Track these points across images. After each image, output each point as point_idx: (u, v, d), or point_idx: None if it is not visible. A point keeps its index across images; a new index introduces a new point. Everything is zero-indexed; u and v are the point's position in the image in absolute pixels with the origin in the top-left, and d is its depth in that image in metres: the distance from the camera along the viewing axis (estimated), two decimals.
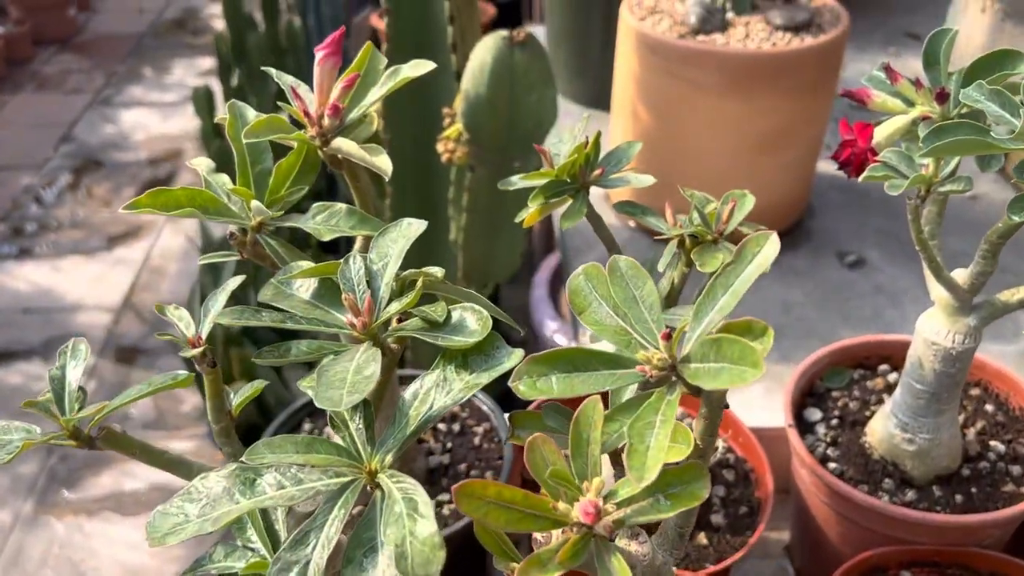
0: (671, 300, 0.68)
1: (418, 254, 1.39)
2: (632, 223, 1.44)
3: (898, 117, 0.68)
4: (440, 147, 1.14)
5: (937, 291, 0.72)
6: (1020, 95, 0.60)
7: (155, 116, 3.71)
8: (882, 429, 0.79)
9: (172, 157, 3.38)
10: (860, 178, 0.66)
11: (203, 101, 2.21)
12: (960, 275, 0.70)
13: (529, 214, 0.69)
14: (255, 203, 0.56)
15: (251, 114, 0.60)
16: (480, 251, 1.25)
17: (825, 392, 0.87)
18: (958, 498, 0.77)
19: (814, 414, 0.85)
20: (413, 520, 0.41)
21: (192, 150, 3.39)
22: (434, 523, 0.41)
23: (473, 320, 0.49)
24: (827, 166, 1.51)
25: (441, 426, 0.89)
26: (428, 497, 0.42)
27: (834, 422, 0.84)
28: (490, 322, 0.48)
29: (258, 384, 0.56)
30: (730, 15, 1.29)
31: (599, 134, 0.68)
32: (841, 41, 1.27)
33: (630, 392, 0.54)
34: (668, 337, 0.43)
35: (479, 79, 1.11)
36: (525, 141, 1.16)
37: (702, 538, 0.79)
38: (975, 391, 0.86)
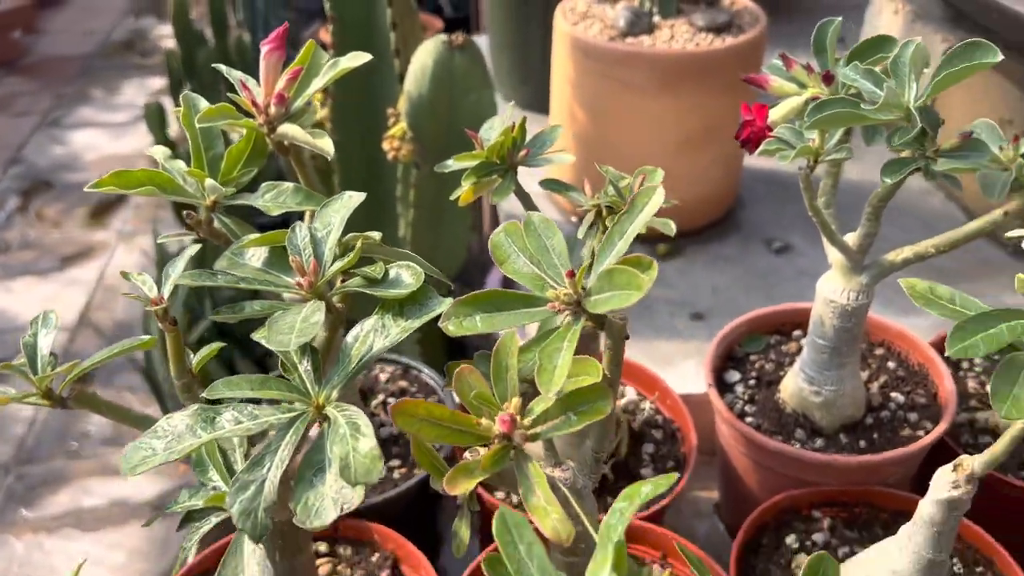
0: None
1: None
2: (572, 214, 1.52)
3: (792, 98, 0.76)
4: (386, 145, 1.20)
5: (833, 254, 0.80)
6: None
7: (106, 136, 3.72)
8: (793, 385, 0.87)
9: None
10: (755, 152, 0.74)
11: (155, 117, 2.25)
12: (850, 238, 0.78)
13: (463, 192, 0.76)
14: (209, 181, 0.62)
15: (203, 104, 0.66)
16: (427, 245, 1.31)
17: (744, 356, 0.95)
18: (862, 443, 0.85)
19: (733, 376, 0.93)
20: (355, 439, 0.47)
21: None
22: (374, 440, 0.47)
23: (408, 275, 0.55)
24: (755, 160, 1.60)
25: (391, 400, 0.94)
26: (368, 420, 0.48)
27: (751, 382, 0.92)
28: (423, 276, 0.55)
29: (216, 345, 0.62)
30: (656, 18, 1.38)
31: (524, 119, 0.76)
32: (759, 41, 1.36)
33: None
34: (572, 275, 0.49)
35: (420, 81, 1.18)
36: (467, 139, 1.23)
37: None
38: (880, 350, 0.95)
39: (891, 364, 0.93)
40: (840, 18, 0.78)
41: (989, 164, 0.69)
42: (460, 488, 0.46)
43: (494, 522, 0.41)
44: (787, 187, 1.63)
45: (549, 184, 0.77)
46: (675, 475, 0.48)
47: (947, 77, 0.64)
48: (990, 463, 0.63)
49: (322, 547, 0.80)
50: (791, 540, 0.81)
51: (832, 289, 0.80)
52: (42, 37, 4.63)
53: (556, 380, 0.46)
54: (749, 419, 0.88)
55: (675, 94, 1.32)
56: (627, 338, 0.53)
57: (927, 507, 0.67)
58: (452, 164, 0.76)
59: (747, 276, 1.38)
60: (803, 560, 0.78)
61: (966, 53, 0.64)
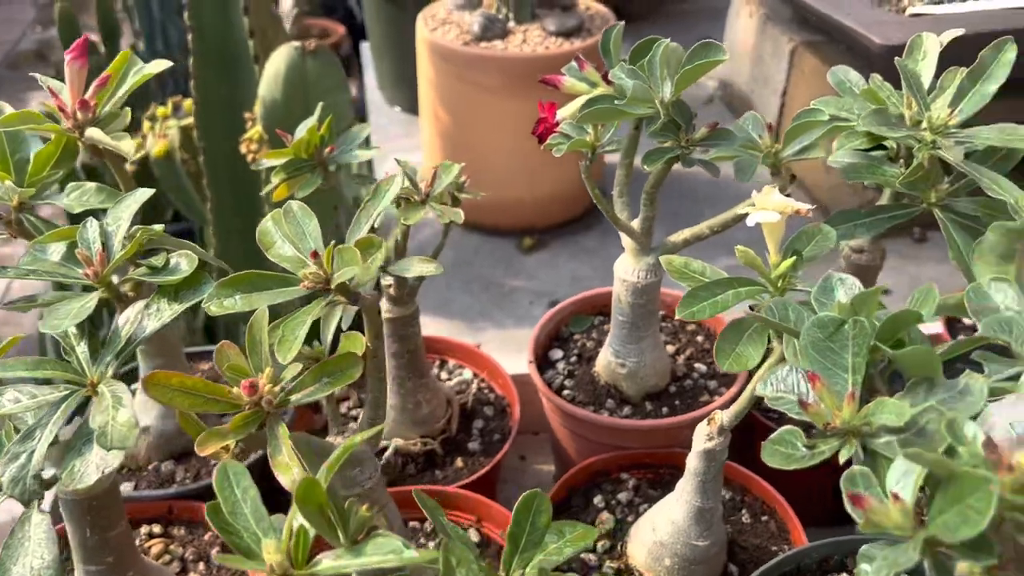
0: (399, 252, 0.82)
1: (245, 250, 1.49)
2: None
3: (580, 97, 0.84)
4: (243, 148, 1.25)
5: (624, 238, 0.87)
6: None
7: None
8: (604, 359, 0.94)
9: None
10: (542, 146, 0.81)
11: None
12: (635, 223, 0.85)
13: (276, 189, 0.81)
14: (8, 183, 0.66)
15: (8, 109, 0.70)
16: None
17: (569, 336, 1.02)
18: (664, 410, 0.92)
19: (557, 354, 1.00)
20: (116, 410, 0.52)
21: None
22: (132, 411, 0.52)
23: (185, 263, 0.61)
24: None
25: None
26: (131, 395, 0.54)
27: (573, 359, 0.99)
28: (197, 262, 0.60)
29: (15, 338, 0.66)
30: (512, 24, 1.45)
31: (331, 118, 0.81)
32: None
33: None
34: (316, 255, 0.55)
35: (273, 85, 1.22)
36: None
37: (459, 462, 0.92)
38: (691, 326, 1.03)
39: (700, 338, 1.01)
40: (622, 23, 0.86)
41: (739, 151, 0.78)
42: (210, 449, 0.52)
43: (215, 473, 0.47)
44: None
45: (355, 178, 0.83)
46: (382, 425, 0.54)
47: (686, 74, 0.71)
48: (736, 416, 0.71)
49: (156, 528, 0.85)
50: (598, 500, 0.88)
51: (624, 269, 0.87)
52: None
53: (292, 349, 0.52)
54: (567, 392, 0.95)
55: (526, 95, 1.39)
56: (379, 313, 0.60)
57: (692, 460, 0.74)
58: (265, 163, 0.81)
59: (605, 266, 1.45)
60: (607, 517, 0.86)
61: (701, 52, 0.72)
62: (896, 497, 0.42)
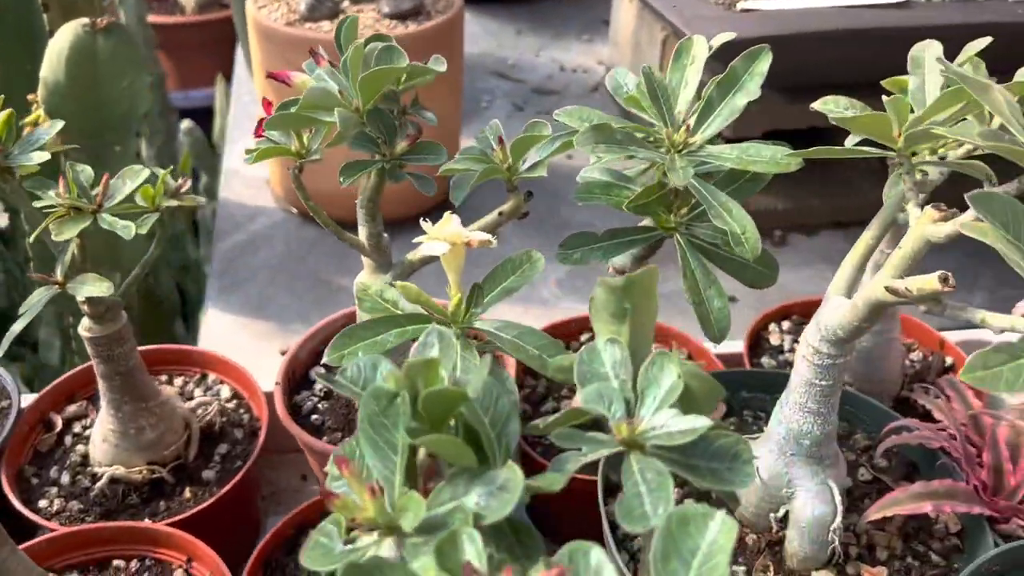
0: (75, 268, 0.72)
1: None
2: (293, 209, 1.50)
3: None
4: (26, 132, 1.15)
5: (364, 256, 0.80)
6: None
7: None
8: None
9: None
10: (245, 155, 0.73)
11: None
12: (362, 238, 0.78)
13: None
14: None
15: None
16: None
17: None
18: None
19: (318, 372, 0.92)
20: None
21: None
22: None
23: None
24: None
25: None
26: None
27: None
28: None
29: None
30: (346, 3, 1.36)
31: (10, 113, 0.72)
32: (447, 28, 1.35)
33: None
34: None
35: (56, 66, 1.13)
36: (122, 125, 1.19)
37: (187, 493, 0.84)
38: None
39: None
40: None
41: (458, 166, 0.70)
42: None
43: None
44: None
45: None
46: None
47: (367, 79, 0.63)
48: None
49: None
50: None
51: (363, 286, 0.79)
52: None
53: None
54: (315, 417, 0.87)
55: None
56: None
57: None
58: None
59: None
60: None
61: (385, 57, 0.64)
62: None
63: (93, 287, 0.69)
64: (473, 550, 0.35)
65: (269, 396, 0.92)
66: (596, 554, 0.34)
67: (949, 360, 1.01)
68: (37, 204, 0.70)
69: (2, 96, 0.74)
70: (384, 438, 0.42)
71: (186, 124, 1.86)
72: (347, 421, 0.87)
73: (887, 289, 0.57)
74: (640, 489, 0.41)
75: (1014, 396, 0.89)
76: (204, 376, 0.97)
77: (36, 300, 0.71)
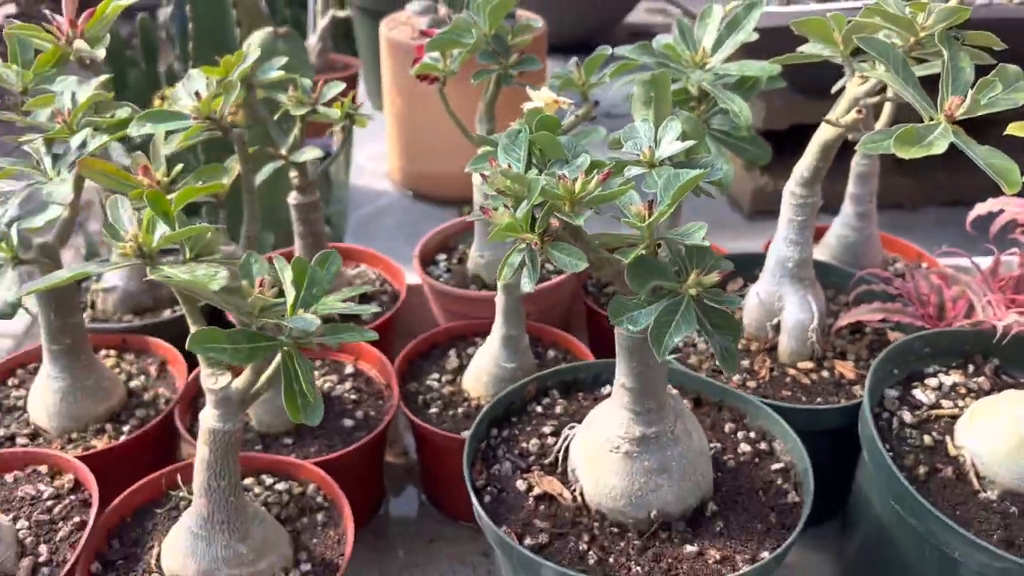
0: (296, 145, 1.09)
1: None
2: (408, 191, 1.87)
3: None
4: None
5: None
6: None
7: None
8: (471, 256, 1.20)
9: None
10: (414, 71, 1.09)
11: None
12: (487, 134, 1.12)
13: None
14: (15, 67, 0.96)
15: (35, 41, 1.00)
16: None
17: (455, 247, 1.29)
18: None
19: (441, 258, 1.26)
20: (61, 184, 0.80)
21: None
22: (70, 189, 0.80)
23: (121, 112, 0.89)
24: None
25: None
26: (71, 182, 0.82)
27: (454, 261, 1.25)
28: (129, 111, 0.89)
29: None
30: None
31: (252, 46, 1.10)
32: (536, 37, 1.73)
33: None
34: (198, 95, 0.83)
35: None
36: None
37: None
38: None
39: None
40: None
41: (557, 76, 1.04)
42: None
43: None
44: None
45: None
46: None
47: (493, 10, 0.99)
48: None
49: (112, 353, 1.12)
50: (452, 352, 1.13)
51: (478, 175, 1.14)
52: None
53: (173, 145, 0.80)
54: (442, 278, 1.21)
55: (463, 82, 1.68)
56: None
57: (497, 295, 1.00)
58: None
59: None
60: (453, 359, 1.11)
61: None
62: None
63: (309, 154, 1.05)
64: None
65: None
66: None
67: (924, 266, 1.29)
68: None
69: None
70: (514, 153, 0.75)
71: None
72: (462, 281, 1.20)
73: (826, 121, 0.89)
74: (659, 183, 0.73)
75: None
76: (358, 264, 1.32)
77: (267, 169, 1.08)
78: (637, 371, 0.77)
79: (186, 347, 0.64)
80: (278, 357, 0.71)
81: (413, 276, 1.27)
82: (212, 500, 0.77)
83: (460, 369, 1.10)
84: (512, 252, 0.69)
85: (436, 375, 1.09)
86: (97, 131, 0.87)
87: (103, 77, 0.94)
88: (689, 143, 0.74)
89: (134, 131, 0.84)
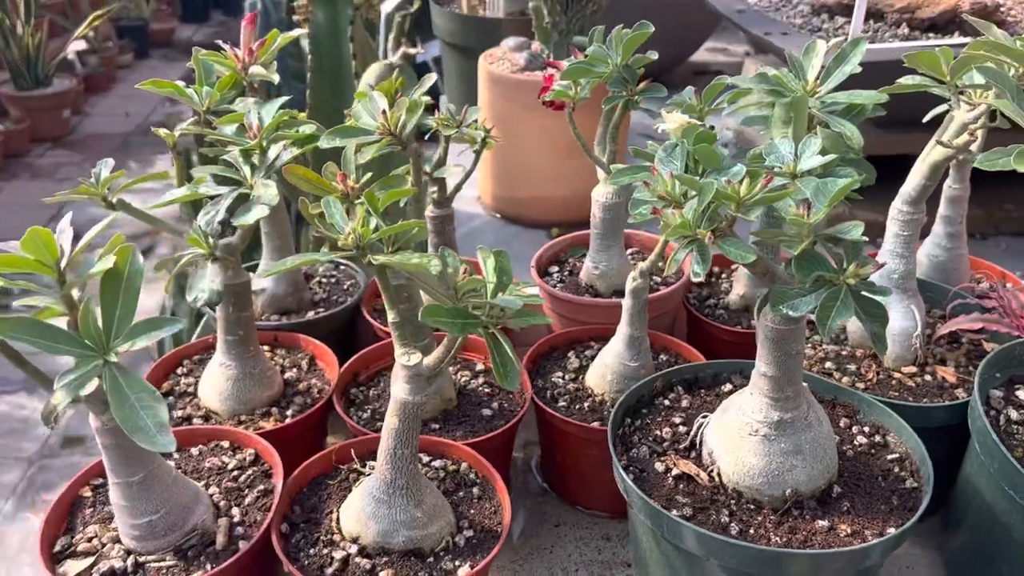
0: (439, 163, 1.20)
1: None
2: (497, 214, 1.98)
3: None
4: None
5: (598, 170, 1.25)
6: None
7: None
8: (585, 267, 1.31)
9: (153, 233, 3.86)
10: (540, 98, 1.20)
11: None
12: (604, 157, 1.23)
13: None
14: (205, 89, 1.09)
15: (216, 67, 1.13)
16: None
17: (566, 259, 1.39)
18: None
19: (554, 269, 1.37)
20: (265, 188, 0.92)
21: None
22: (275, 189, 0.92)
23: (308, 128, 1.01)
24: None
25: (324, 280, 1.39)
26: (275, 187, 0.93)
27: (565, 272, 1.35)
28: (315, 127, 1.01)
29: None
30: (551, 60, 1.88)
31: (402, 80, 1.23)
32: None
33: None
34: (384, 113, 0.95)
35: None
36: None
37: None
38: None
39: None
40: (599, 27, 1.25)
41: (675, 104, 1.15)
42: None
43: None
44: None
45: None
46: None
47: (627, 43, 1.10)
48: (650, 264, 1.06)
49: (265, 348, 1.23)
50: (571, 355, 1.23)
51: (598, 192, 1.25)
52: (87, 117, 5.23)
53: (365, 156, 0.91)
54: (557, 286, 1.31)
55: (556, 114, 1.79)
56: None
57: (624, 300, 1.10)
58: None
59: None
60: (574, 361, 1.20)
61: (637, 29, 1.11)
62: None
63: (454, 171, 1.16)
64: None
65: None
66: None
67: (1009, 285, 1.37)
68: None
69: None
70: (672, 164, 0.85)
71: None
72: (576, 291, 1.30)
73: (939, 143, 0.98)
74: (809, 189, 0.83)
75: None
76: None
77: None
78: (780, 360, 0.86)
79: (419, 317, 0.74)
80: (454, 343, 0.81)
81: None
82: (395, 466, 0.87)
83: (581, 368, 1.19)
84: (678, 249, 0.79)
85: (560, 374, 1.19)
86: (290, 144, 0.99)
87: (284, 98, 1.06)
88: (830, 157, 0.84)
89: (324, 144, 0.96)
